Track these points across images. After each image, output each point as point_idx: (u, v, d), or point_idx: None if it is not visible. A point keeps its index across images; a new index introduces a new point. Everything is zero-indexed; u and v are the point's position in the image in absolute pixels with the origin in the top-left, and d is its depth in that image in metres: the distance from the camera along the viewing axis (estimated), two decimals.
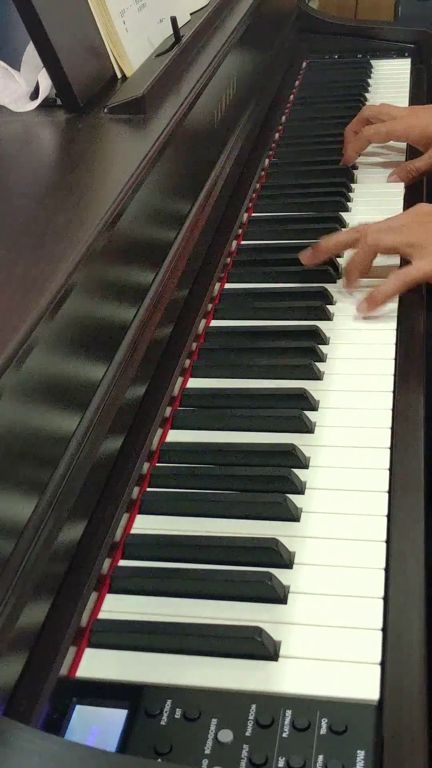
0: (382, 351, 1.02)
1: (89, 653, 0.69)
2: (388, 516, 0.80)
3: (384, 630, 0.69)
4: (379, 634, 0.69)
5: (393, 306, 1.09)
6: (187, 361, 1.00)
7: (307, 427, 0.90)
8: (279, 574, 0.74)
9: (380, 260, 1.12)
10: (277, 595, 0.72)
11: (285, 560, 0.76)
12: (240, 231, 1.27)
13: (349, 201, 1.35)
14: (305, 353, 1.01)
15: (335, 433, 0.91)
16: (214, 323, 1.09)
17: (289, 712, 0.63)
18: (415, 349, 1.02)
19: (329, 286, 1.12)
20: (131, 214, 0.86)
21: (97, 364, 0.80)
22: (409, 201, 1.33)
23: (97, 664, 0.68)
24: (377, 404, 0.94)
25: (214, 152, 1.24)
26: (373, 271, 1.12)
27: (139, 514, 0.82)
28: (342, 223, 1.27)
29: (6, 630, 0.61)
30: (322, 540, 0.78)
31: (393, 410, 0.93)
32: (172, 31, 1.15)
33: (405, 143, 1.47)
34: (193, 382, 0.99)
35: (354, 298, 1.11)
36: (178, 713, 0.64)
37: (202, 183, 1.15)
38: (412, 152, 1.44)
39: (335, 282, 1.15)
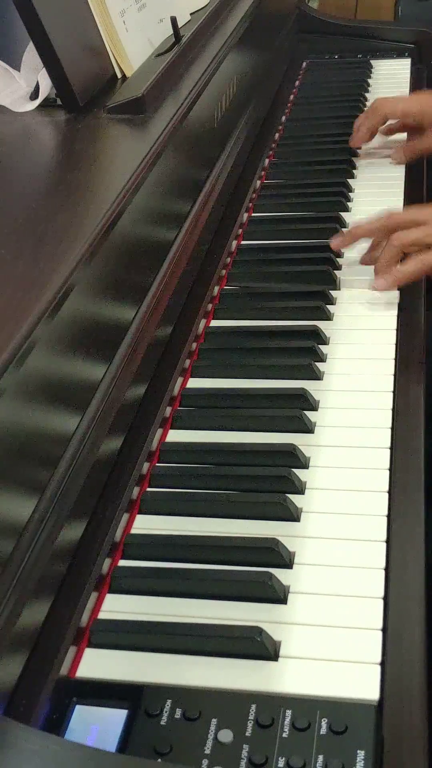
0: (382, 351, 1.02)
1: (89, 653, 0.69)
2: (388, 516, 0.80)
3: (384, 630, 0.69)
4: (379, 634, 0.69)
5: (393, 306, 1.09)
6: (187, 361, 1.00)
7: (307, 427, 0.90)
8: (279, 574, 0.74)
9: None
10: (277, 595, 0.72)
11: (285, 560, 0.76)
12: (240, 231, 1.27)
13: (349, 201, 1.35)
14: (305, 353, 1.00)
15: (335, 433, 0.91)
16: (214, 323, 1.09)
17: (289, 712, 0.63)
18: (415, 350, 1.02)
19: (329, 286, 1.12)
20: (131, 214, 0.86)
21: (97, 364, 0.80)
22: (410, 201, 1.33)
23: (97, 664, 0.68)
24: (377, 404, 0.94)
25: (214, 152, 1.24)
26: None
27: (139, 514, 0.82)
28: (342, 224, 1.27)
29: (6, 630, 0.61)
30: (322, 540, 0.78)
31: (393, 410, 0.93)
32: (172, 31, 1.15)
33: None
34: (193, 382, 0.99)
35: (354, 298, 1.11)
36: (178, 713, 0.64)
37: (202, 183, 1.15)
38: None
39: (335, 282, 1.15)
